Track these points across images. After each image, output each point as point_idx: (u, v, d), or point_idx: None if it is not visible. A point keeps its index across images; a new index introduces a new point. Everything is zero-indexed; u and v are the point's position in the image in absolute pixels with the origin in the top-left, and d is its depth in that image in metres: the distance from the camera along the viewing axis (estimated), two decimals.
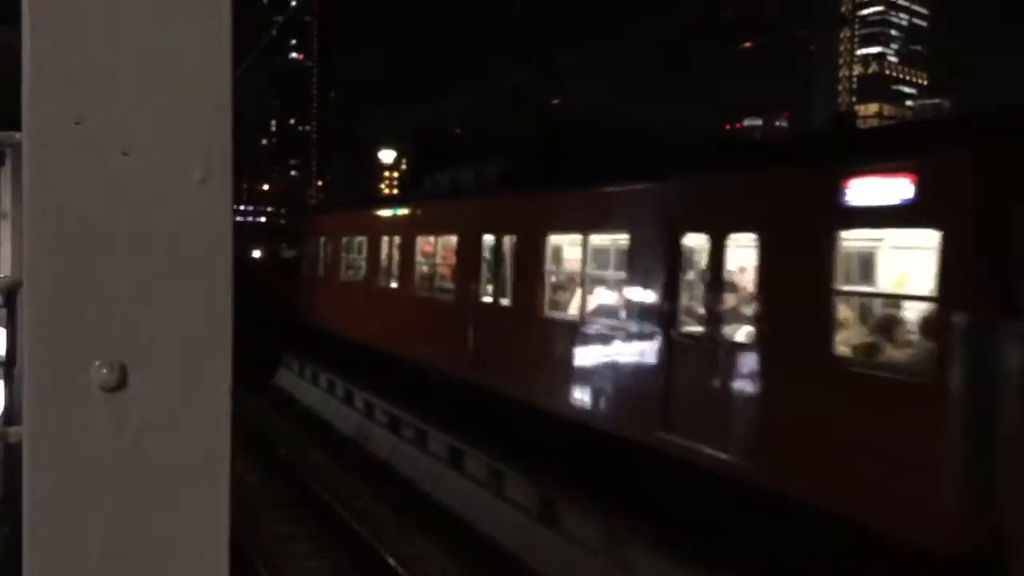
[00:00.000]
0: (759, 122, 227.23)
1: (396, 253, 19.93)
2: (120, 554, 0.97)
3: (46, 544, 0.94)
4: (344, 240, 23.70)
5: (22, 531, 0.95)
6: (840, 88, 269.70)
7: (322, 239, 25.42)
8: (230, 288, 0.99)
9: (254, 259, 42.66)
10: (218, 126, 0.98)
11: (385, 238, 20.59)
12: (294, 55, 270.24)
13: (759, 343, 9.59)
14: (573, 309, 13.09)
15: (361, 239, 22.45)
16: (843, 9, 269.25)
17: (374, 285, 21.17)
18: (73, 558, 0.95)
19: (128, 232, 0.95)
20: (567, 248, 13.89)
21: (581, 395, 12.55)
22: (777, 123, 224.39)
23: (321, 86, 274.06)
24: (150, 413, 0.97)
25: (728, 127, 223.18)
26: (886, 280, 9.33)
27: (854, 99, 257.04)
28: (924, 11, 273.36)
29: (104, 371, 0.94)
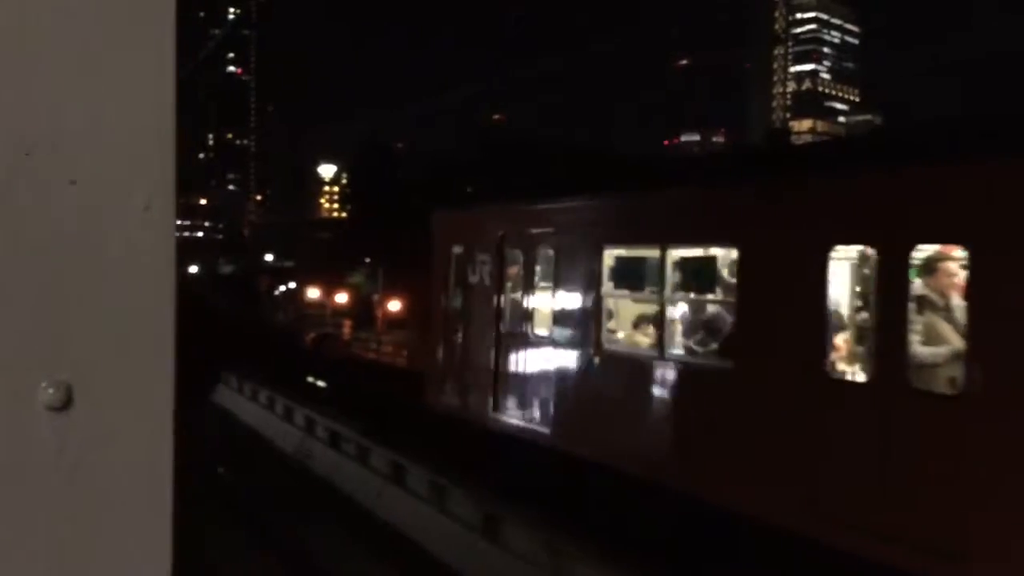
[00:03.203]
0: (697, 137, 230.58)
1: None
2: (64, 572, 0.99)
3: None
4: (617, 256, 11.44)
5: None
6: (775, 105, 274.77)
7: (516, 261, 13.18)
8: (173, 311, 1.03)
9: (191, 274, 42.19)
10: (161, 156, 1.02)
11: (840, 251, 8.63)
12: (232, 68, 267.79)
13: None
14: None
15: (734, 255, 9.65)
16: (776, 27, 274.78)
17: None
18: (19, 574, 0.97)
19: (76, 258, 0.98)
20: None
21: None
22: (714, 139, 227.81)
23: (259, 100, 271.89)
24: (95, 432, 1.00)
25: (666, 143, 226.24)
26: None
27: (788, 115, 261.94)
28: (855, 29, 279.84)
29: (51, 391, 0.97)
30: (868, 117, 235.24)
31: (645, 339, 11.18)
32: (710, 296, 10.38)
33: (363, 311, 60.74)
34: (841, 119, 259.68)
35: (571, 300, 11.98)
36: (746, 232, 9.29)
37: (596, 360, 11.40)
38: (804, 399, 8.34)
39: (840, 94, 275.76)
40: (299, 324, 59.70)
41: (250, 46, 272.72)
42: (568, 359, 11.96)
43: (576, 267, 11.87)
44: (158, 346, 1.02)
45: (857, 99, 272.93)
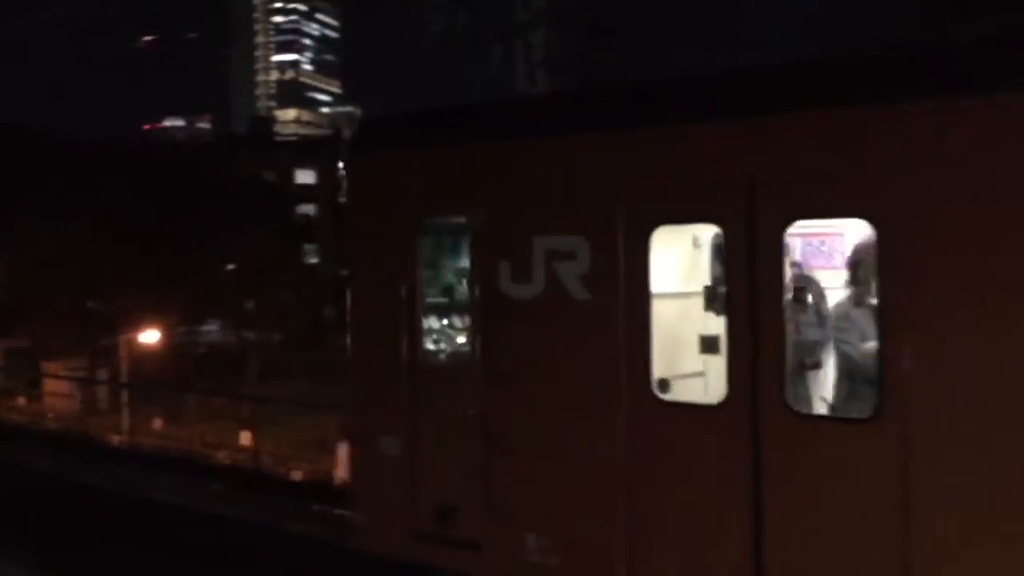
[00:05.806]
0: (181, 123, 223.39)
1: None
2: None
3: None
4: None
5: None
6: (259, 93, 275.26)
7: None
8: None
9: None
10: None
11: None
12: None
13: None
14: None
15: None
16: (256, 15, 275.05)
17: None
18: None
19: None
20: None
21: None
22: (199, 124, 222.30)
23: None
24: None
25: (148, 127, 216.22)
26: None
27: (273, 104, 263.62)
28: (335, 23, 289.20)
29: None
30: (350, 109, 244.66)
31: None
32: None
33: None
34: (325, 110, 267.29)
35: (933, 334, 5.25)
36: None
37: None
38: None
39: (322, 85, 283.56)
40: None
41: None
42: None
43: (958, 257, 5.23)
44: None
45: (339, 91, 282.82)
